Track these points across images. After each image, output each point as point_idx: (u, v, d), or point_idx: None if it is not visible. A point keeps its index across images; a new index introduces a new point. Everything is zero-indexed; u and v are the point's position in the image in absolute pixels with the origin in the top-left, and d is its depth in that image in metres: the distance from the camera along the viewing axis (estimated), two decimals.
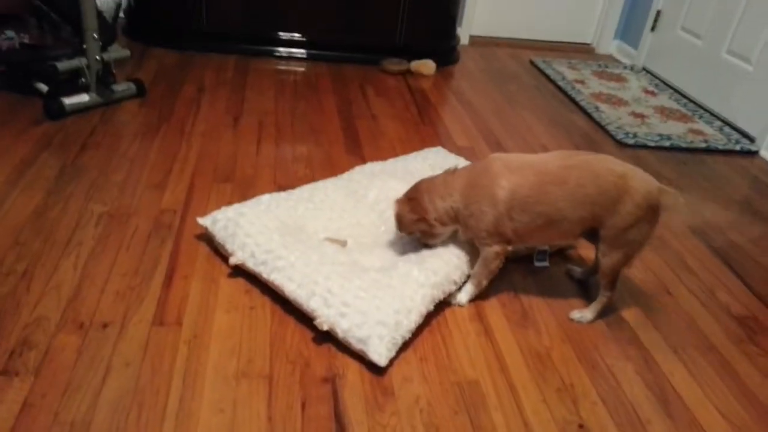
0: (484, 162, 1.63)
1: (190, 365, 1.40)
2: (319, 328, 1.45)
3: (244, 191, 2.09)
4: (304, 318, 1.56)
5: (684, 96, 3.43)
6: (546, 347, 1.58)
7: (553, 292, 1.80)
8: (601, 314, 1.69)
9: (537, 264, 1.86)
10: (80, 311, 1.52)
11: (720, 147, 2.85)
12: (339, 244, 1.77)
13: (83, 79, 2.56)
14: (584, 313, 1.68)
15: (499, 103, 3.16)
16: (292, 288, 1.53)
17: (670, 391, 1.49)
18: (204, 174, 2.17)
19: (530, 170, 1.56)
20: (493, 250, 1.62)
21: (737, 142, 2.92)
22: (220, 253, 1.76)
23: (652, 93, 3.45)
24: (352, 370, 1.43)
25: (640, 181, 1.55)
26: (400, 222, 1.70)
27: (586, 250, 1.96)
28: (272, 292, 1.63)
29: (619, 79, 3.63)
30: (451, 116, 2.93)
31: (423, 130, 2.73)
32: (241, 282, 1.67)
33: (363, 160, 2.39)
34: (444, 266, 1.64)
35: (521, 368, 1.51)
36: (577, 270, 1.87)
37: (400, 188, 1.79)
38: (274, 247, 1.63)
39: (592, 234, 1.63)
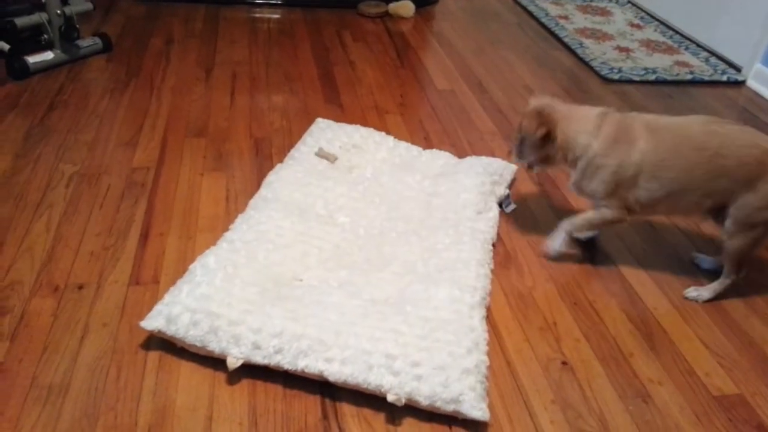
0: (626, 119, 1.51)
1: None
2: (397, 404, 1.18)
3: (219, 145, 2.03)
4: None
5: (670, 27, 3.34)
6: (528, 287, 1.57)
7: (536, 233, 1.78)
8: (720, 296, 1.57)
9: (506, 210, 1.82)
10: (54, 274, 1.49)
11: (706, 78, 2.79)
12: (329, 160, 1.66)
13: (46, 36, 2.44)
14: (701, 292, 1.57)
15: (481, 43, 3.06)
16: (335, 370, 1.21)
17: (654, 326, 1.49)
18: (176, 129, 2.10)
19: (669, 132, 1.46)
20: (609, 213, 1.53)
21: (723, 72, 2.85)
22: (197, 210, 1.72)
23: (638, 26, 3.35)
24: None
25: None
26: (524, 139, 1.54)
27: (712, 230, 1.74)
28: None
29: (604, 12, 3.52)
30: (431, 59, 2.84)
31: (402, 75, 2.65)
32: (218, 237, 1.63)
33: (341, 108, 2.32)
34: (475, 276, 1.46)
35: (503, 308, 1.50)
36: (708, 260, 1.68)
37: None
38: (279, 324, 1.26)
39: (720, 213, 1.51)
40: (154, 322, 1.28)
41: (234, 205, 1.76)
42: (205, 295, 1.31)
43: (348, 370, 1.21)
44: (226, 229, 1.66)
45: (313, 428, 1.18)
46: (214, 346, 1.25)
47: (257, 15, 3.16)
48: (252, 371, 1.27)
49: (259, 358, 1.23)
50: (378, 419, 1.21)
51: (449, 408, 1.18)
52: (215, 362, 1.29)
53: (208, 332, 1.25)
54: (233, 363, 1.23)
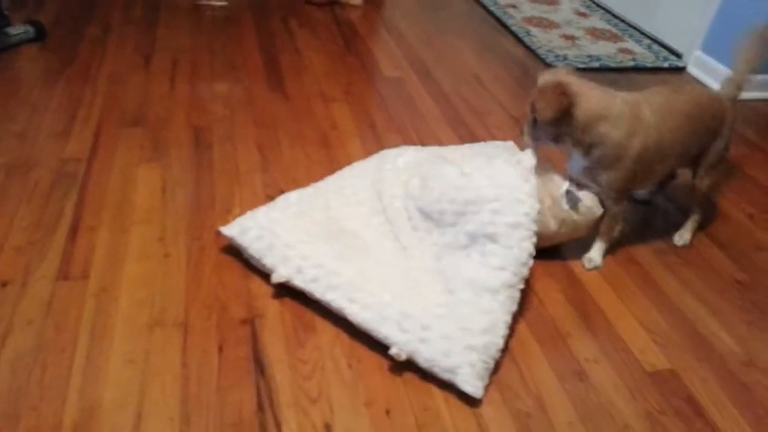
0: (636, 106, 1.47)
1: (98, 319, 1.33)
2: (397, 359, 1.26)
3: (156, 134, 1.96)
4: (222, 263, 1.50)
5: (615, 16, 3.40)
6: None
7: None
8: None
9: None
10: None
11: (648, 65, 2.85)
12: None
13: None
14: (684, 237, 1.76)
15: (430, 31, 3.05)
16: (354, 310, 1.32)
17: (591, 306, 1.51)
18: (111, 119, 2.03)
19: (667, 112, 1.51)
20: (620, 209, 1.58)
21: (665, 59, 2.92)
22: (131, 202, 1.66)
23: (584, 14, 3.40)
24: (273, 310, 1.39)
25: (728, 102, 1.62)
26: (541, 110, 1.42)
27: None
28: (189, 242, 1.56)
29: (552, 2, 3.56)
30: (379, 47, 2.82)
31: (350, 63, 2.62)
32: (154, 229, 1.58)
33: (286, 97, 2.28)
34: (507, 252, 1.38)
35: None
36: (640, 192, 1.89)
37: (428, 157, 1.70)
38: (324, 259, 1.39)
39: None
40: (231, 230, 1.48)
41: (171, 195, 1.70)
42: (276, 219, 1.49)
43: (365, 315, 1.30)
44: (162, 220, 1.61)
45: (249, 421, 1.16)
46: (268, 261, 1.41)
47: (201, 1, 3.08)
48: (185, 359, 1.24)
49: (298, 281, 1.38)
50: (315, 409, 1.19)
51: (445, 376, 1.25)
52: (146, 359, 1.25)
53: (267, 248, 1.42)
54: (277, 278, 1.39)
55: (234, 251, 1.51)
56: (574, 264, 1.64)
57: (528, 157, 1.47)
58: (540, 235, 1.43)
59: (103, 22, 2.73)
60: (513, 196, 1.40)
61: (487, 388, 1.27)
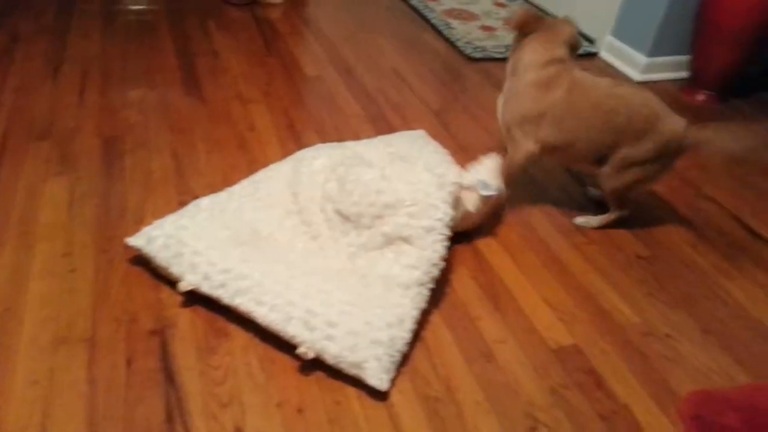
0: (564, 73, 1.65)
1: (0, 341, 1.29)
2: (304, 357, 1.27)
3: (64, 147, 1.91)
4: (131, 275, 1.49)
5: (533, 5, 3.50)
6: None
7: None
8: (606, 226, 1.75)
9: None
10: None
11: None
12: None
13: None
14: (589, 219, 1.80)
15: (352, 28, 3.06)
16: (263, 312, 1.31)
17: (500, 288, 1.57)
18: (17, 134, 1.96)
19: (580, 91, 1.63)
20: (522, 149, 1.69)
21: None
22: (36, 218, 1.62)
23: (502, 5, 3.48)
24: (184, 319, 1.39)
25: (671, 124, 1.61)
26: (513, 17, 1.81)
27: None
28: (97, 255, 1.53)
29: None
30: (300, 46, 2.81)
31: (270, 63, 2.61)
32: (60, 245, 1.54)
33: (203, 101, 2.26)
34: (420, 254, 1.44)
35: None
36: (596, 192, 1.93)
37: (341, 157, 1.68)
38: (232, 264, 1.38)
39: (601, 159, 1.71)
40: (138, 240, 1.47)
41: (79, 208, 1.67)
42: (183, 226, 1.48)
43: (273, 316, 1.30)
44: (69, 235, 1.58)
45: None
46: (175, 269, 1.40)
47: (117, 6, 3.00)
48: (92, 374, 1.22)
49: (206, 288, 1.37)
50: (226, 413, 1.20)
51: (352, 371, 1.27)
52: (51, 377, 1.22)
53: (174, 256, 1.41)
54: (184, 287, 1.38)
55: (144, 262, 1.50)
56: (483, 248, 1.69)
57: (452, 173, 1.56)
58: (461, 219, 1.61)
59: (12, 31, 2.63)
60: (428, 202, 1.48)
61: (398, 377, 1.30)
